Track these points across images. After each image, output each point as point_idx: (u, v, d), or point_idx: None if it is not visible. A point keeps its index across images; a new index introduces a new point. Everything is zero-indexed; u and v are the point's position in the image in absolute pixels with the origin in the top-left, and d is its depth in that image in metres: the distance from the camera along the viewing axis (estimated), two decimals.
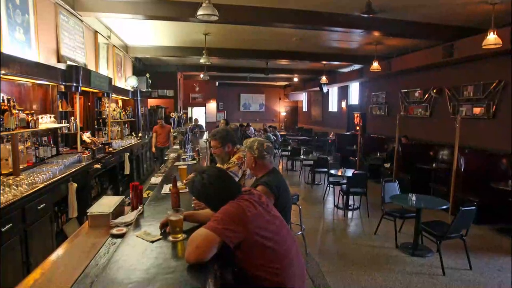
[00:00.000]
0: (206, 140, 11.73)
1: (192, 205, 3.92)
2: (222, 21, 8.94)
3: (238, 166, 5.13)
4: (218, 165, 5.41)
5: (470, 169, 9.78)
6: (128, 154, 11.79)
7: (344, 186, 10.30)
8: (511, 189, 8.54)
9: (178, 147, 11.03)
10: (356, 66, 18.67)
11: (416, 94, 15.00)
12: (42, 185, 5.78)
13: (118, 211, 4.27)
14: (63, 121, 8.42)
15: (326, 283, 6.07)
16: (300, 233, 7.38)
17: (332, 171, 11.33)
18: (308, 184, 14.08)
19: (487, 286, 6.12)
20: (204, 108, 28.61)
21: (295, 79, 26.26)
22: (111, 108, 12.14)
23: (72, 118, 8.90)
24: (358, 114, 20.32)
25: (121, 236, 3.47)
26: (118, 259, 2.81)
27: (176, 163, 7.46)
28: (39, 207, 5.61)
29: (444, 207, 7.29)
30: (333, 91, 25.26)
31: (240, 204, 2.88)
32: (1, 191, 4.87)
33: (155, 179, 6.47)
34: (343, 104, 23.28)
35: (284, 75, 24.58)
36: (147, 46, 15.53)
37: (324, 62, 17.97)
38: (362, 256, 7.37)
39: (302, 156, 15.19)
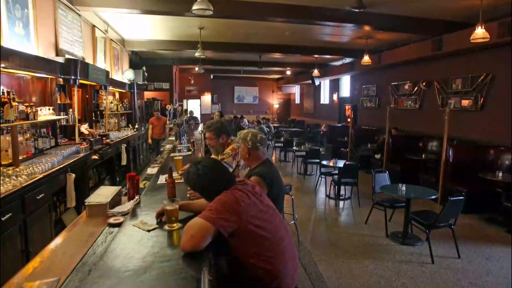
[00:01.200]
0: (201, 132, 11.73)
1: (188, 195, 3.92)
2: (217, 15, 8.94)
3: (232, 157, 5.14)
4: (212, 156, 5.42)
5: (458, 160, 9.80)
6: (125, 145, 11.78)
7: (336, 176, 10.31)
8: (499, 179, 8.56)
9: (173, 138, 11.05)
10: (347, 60, 18.64)
11: (406, 86, 15.03)
12: (41, 176, 5.78)
13: (115, 201, 4.27)
14: (62, 113, 8.41)
15: (318, 271, 6.08)
16: (292, 222, 7.38)
17: (324, 162, 11.34)
18: (300, 175, 14.08)
19: (475, 274, 6.13)
20: (199, 100, 28.55)
21: (288, 72, 26.26)
22: (108, 100, 12.09)
23: (70, 110, 8.89)
24: (349, 106, 20.36)
25: (118, 225, 3.48)
26: (115, 247, 2.81)
27: (172, 154, 7.45)
28: (38, 197, 5.61)
29: (433, 197, 7.29)
30: (324, 84, 25.27)
31: (234, 194, 2.88)
32: (1, 182, 4.86)
33: (151, 170, 6.47)
34: (335, 97, 23.28)
35: (277, 68, 24.56)
36: (144, 40, 15.48)
37: (316, 56, 17.95)
38: (353, 244, 7.39)
39: (294, 147, 15.27)
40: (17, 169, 5.69)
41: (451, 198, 6.31)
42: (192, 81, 27.80)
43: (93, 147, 8.82)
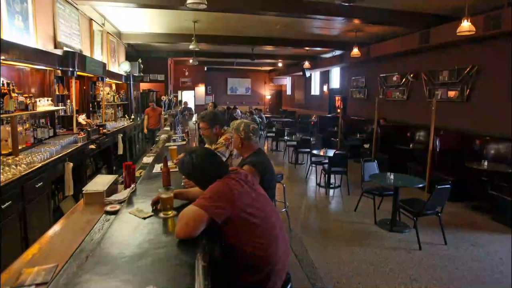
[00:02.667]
0: (195, 122, 11.71)
1: (182, 184, 3.92)
2: (211, 9, 8.89)
3: (226, 146, 5.13)
4: (206, 145, 5.41)
5: (445, 149, 9.86)
6: (121, 135, 11.75)
7: (326, 165, 10.33)
8: (484, 168, 8.59)
9: (168, 128, 11.03)
10: (337, 52, 18.63)
11: (394, 78, 15.01)
12: (40, 165, 5.79)
13: (112, 189, 4.26)
14: (60, 104, 8.42)
15: (308, 257, 6.10)
16: (284, 210, 7.40)
17: (315, 151, 11.35)
18: (291, 164, 14.07)
19: (461, 260, 6.16)
20: (193, 91, 28.48)
21: (279, 64, 26.17)
22: (105, 91, 12.09)
23: (68, 101, 8.88)
24: (339, 97, 20.30)
25: (115, 213, 3.48)
26: (112, 234, 2.82)
27: (167, 144, 7.46)
28: (37, 186, 5.61)
29: (421, 185, 7.30)
30: (315, 76, 25.27)
31: (227, 182, 2.89)
32: (1, 170, 4.85)
33: (147, 159, 6.47)
34: (325, 88, 23.26)
35: (269, 61, 24.44)
36: (139, 33, 15.42)
37: (307, 48, 17.94)
38: (343, 231, 7.41)
39: (286, 137, 15.27)
40: (17, 158, 5.68)
41: (438, 187, 6.33)
42: (187, 73, 27.74)
43: (91, 137, 8.80)
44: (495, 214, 8.12)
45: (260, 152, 4.50)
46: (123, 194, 3.97)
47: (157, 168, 5.03)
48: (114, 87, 14.35)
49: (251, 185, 3.05)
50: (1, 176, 4.73)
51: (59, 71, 7.97)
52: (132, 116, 14.70)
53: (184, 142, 7.84)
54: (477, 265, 6.01)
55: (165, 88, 22.37)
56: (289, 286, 3.09)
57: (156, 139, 10.78)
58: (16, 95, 6.07)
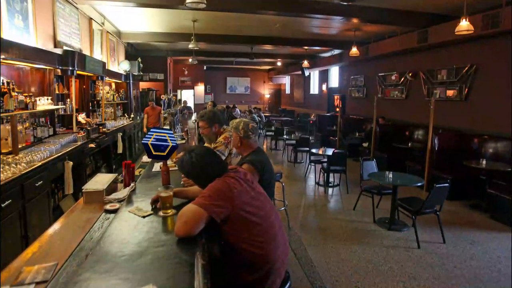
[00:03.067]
0: (194, 121, 11.70)
1: (182, 182, 3.93)
2: (210, 8, 8.88)
3: (225, 145, 5.13)
4: (205, 144, 5.40)
5: (443, 148, 9.83)
6: (121, 134, 11.75)
7: (325, 164, 10.33)
8: (482, 167, 8.59)
9: (168, 127, 11.00)
10: (336, 51, 18.62)
11: (393, 77, 15.01)
12: (40, 163, 5.78)
13: (112, 188, 4.28)
14: (60, 103, 8.41)
15: (307, 256, 6.09)
16: (283, 208, 7.40)
17: (313, 150, 11.32)
18: (290, 163, 14.08)
19: (459, 258, 6.16)
20: (192, 90, 28.45)
21: (279, 63, 26.18)
22: (105, 90, 12.07)
23: (68, 100, 8.86)
24: (338, 96, 20.34)
25: (114, 211, 3.49)
26: (111, 233, 2.82)
27: None
28: (37, 184, 5.60)
29: (419, 184, 7.27)
30: (314, 75, 25.26)
31: (227, 181, 2.89)
32: (1, 169, 4.85)
33: (147, 158, 6.46)
34: (324, 87, 23.27)
35: (268, 60, 24.47)
36: (139, 32, 15.43)
37: (306, 47, 17.98)
38: (342, 230, 7.40)
39: (285, 136, 15.20)
40: (17, 157, 5.69)
41: (436, 185, 6.32)
42: (186, 72, 27.72)
43: (90, 135, 8.80)
44: (493, 212, 8.12)
45: (259, 150, 4.50)
46: (122, 192, 3.98)
47: (157, 167, 5.02)
48: (113, 86, 14.35)
49: (250, 184, 3.06)
50: (1, 175, 4.72)
51: (59, 70, 7.97)
52: (132, 115, 14.69)
53: (183, 141, 7.84)
54: (475, 263, 6.00)
55: (165, 87, 22.31)
56: (288, 284, 3.10)
57: None
58: (16, 94, 6.06)
